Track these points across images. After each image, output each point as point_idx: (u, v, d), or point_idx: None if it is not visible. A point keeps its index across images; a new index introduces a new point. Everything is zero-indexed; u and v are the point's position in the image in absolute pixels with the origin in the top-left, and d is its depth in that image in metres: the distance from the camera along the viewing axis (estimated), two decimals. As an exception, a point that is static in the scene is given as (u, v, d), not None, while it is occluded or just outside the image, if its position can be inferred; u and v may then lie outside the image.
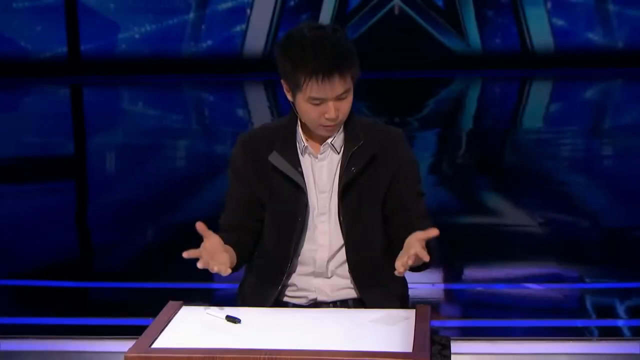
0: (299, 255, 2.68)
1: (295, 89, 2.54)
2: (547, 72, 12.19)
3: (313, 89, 2.50)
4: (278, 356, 2.15)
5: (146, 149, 8.79)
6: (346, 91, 2.53)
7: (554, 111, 10.81)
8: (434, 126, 9.67)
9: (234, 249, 2.60)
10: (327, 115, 2.54)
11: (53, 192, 7.13)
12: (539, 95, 11.78)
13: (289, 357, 2.15)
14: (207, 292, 4.83)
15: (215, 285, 4.91)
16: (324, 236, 2.67)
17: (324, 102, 2.52)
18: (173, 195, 6.91)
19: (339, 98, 2.53)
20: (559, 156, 8.10)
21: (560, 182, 7.10)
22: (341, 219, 2.64)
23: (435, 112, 10.58)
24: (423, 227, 2.56)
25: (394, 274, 2.64)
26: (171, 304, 2.49)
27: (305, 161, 2.66)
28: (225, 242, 2.57)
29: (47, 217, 6.36)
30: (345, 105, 2.56)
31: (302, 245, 2.67)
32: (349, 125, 2.65)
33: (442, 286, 4.89)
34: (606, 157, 8.17)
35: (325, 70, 2.47)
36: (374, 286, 2.66)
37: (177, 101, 11.79)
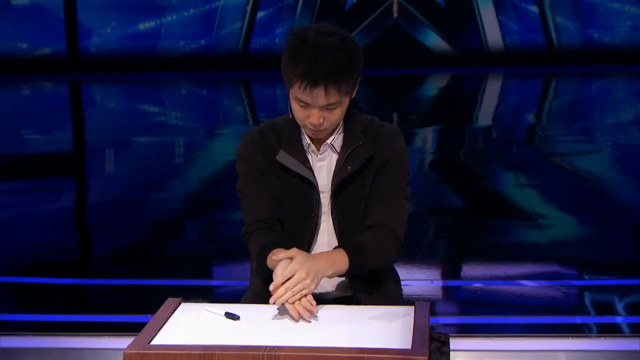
0: (313, 250, 2.68)
1: (287, 84, 2.57)
2: (573, 69, 12.22)
3: (299, 92, 2.51)
4: (277, 353, 2.15)
5: (144, 145, 8.80)
6: (333, 103, 2.53)
7: (555, 107, 10.82)
8: (444, 123, 9.69)
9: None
10: (310, 120, 2.55)
11: (52, 189, 7.13)
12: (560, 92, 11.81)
13: (288, 353, 2.15)
14: (206, 289, 4.83)
15: (214, 282, 4.91)
16: (323, 235, 2.69)
17: (309, 106, 2.53)
18: (173, 192, 6.91)
19: (325, 108, 2.53)
20: (560, 153, 8.10)
21: (560, 179, 7.10)
22: (334, 216, 2.65)
23: (447, 109, 10.61)
24: (381, 223, 2.58)
25: (385, 272, 2.66)
26: (170, 300, 2.49)
27: (310, 159, 2.67)
28: (274, 244, 2.58)
29: (45, 213, 6.36)
30: (333, 116, 2.56)
31: (315, 242, 2.68)
32: (348, 125, 2.65)
33: (441, 283, 4.89)
34: (607, 154, 8.17)
35: (311, 80, 2.48)
36: (366, 283, 2.67)
37: (174, 98, 11.82)
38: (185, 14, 12.68)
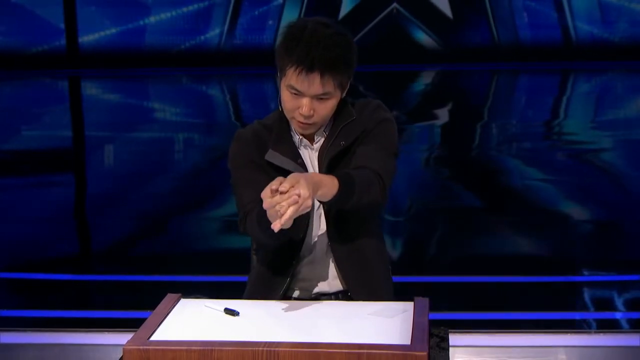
0: (306, 244, 2.65)
1: (281, 72, 2.53)
2: (589, 65, 12.14)
3: (293, 78, 2.48)
4: (276, 348, 2.15)
5: (144, 141, 8.80)
6: (326, 94, 2.50)
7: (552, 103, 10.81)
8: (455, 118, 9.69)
9: None
10: (300, 111, 2.51)
11: (52, 184, 7.13)
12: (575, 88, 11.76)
13: (287, 349, 2.15)
14: (205, 284, 4.83)
15: (213, 278, 4.91)
16: (316, 221, 2.64)
17: (301, 95, 2.50)
18: (172, 189, 6.91)
19: (317, 98, 2.50)
20: (563, 148, 8.11)
21: (562, 174, 7.10)
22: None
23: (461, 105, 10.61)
24: (365, 165, 2.51)
25: (377, 268, 2.66)
26: (169, 296, 2.49)
27: (304, 154, 2.64)
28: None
29: (46, 209, 6.36)
30: (323, 109, 2.52)
31: (309, 235, 2.65)
32: (340, 106, 2.61)
33: (440, 279, 4.90)
34: (610, 151, 8.16)
35: (307, 65, 2.45)
36: (358, 278, 2.66)
37: (173, 94, 11.82)
38: (174, 12, 12.69)
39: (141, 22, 12.72)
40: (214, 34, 12.72)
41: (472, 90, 11.77)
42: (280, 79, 2.54)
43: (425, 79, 12.23)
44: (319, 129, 2.61)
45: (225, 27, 12.70)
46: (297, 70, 2.46)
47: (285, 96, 2.53)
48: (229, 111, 10.71)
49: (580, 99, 11.01)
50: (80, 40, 12.69)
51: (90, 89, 12.23)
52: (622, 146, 8.16)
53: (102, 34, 12.71)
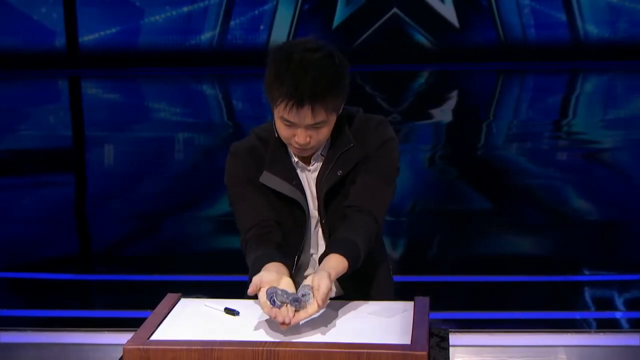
0: (303, 260, 2.63)
1: (271, 103, 2.48)
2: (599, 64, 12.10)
3: (285, 112, 2.43)
4: (276, 348, 2.15)
5: (144, 141, 8.79)
6: (319, 122, 2.45)
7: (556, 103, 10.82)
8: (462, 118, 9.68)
9: (282, 262, 2.44)
10: (296, 139, 2.47)
11: (52, 184, 7.13)
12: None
13: (287, 349, 2.15)
14: (205, 284, 4.83)
15: (213, 278, 4.91)
16: (313, 238, 2.63)
17: (295, 125, 2.45)
18: (172, 188, 6.91)
19: (311, 127, 2.45)
20: (566, 148, 8.10)
21: (564, 174, 7.10)
22: (323, 221, 2.58)
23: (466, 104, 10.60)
24: (360, 206, 2.50)
25: (376, 272, 2.66)
26: (169, 296, 2.49)
27: (301, 175, 2.60)
28: (272, 259, 2.43)
29: (46, 209, 6.36)
30: (319, 135, 2.48)
31: (306, 251, 2.63)
32: (336, 130, 2.56)
33: (440, 278, 4.90)
34: (613, 150, 8.16)
35: (297, 99, 2.39)
36: (357, 283, 2.64)
37: (175, 94, 11.83)
38: (173, 12, 12.70)
39: (140, 22, 12.73)
40: (209, 34, 12.74)
41: (477, 90, 11.77)
42: (272, 108, 2.49)
43: (431, 79, 12.24)
44: (316, 152, 2.57)
45: (218, 29, 12.71)
46: (288, 105, 2.40)
47: (280, 125, 2.48)
48: (222, 110, 10.71)
49: (587, 98, 11.00)
50: (80, 40, 12.70)
51: (90, 89, 12.23)
52: (625, 146, 8.16)
53: (102, 34, 12.71)
